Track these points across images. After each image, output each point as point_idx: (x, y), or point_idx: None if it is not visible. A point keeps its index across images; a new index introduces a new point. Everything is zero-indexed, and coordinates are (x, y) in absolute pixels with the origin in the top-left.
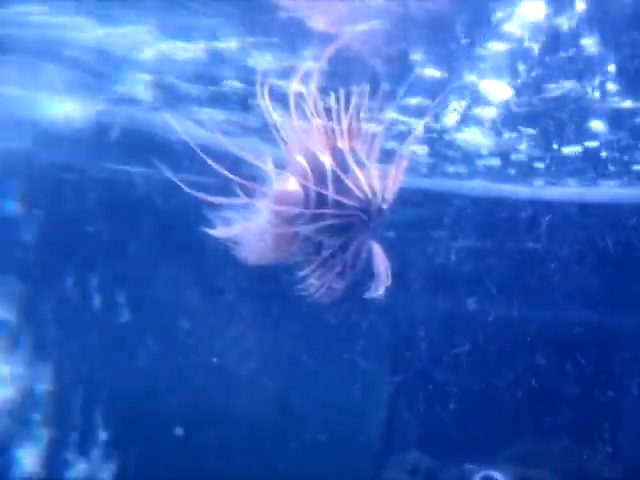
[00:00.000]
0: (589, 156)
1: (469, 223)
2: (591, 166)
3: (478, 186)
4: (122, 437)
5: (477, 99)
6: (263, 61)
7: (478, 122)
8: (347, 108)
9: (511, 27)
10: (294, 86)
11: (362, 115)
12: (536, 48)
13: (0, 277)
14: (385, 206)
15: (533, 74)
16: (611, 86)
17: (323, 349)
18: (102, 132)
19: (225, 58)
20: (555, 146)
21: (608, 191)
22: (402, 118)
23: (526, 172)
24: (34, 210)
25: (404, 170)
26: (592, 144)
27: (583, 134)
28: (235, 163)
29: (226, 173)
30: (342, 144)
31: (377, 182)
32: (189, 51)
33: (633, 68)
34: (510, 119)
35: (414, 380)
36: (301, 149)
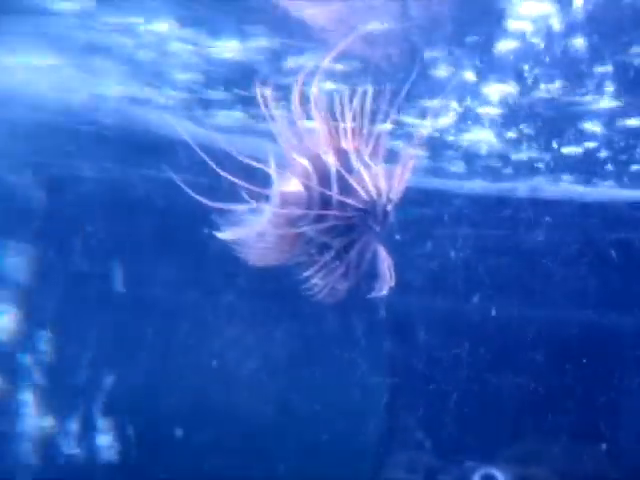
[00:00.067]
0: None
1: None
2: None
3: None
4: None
5: (479, 98)
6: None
7: (479, 122)
8: (351, 109)
9: (516, 25)
10: (297, 87)
11: (367, 116)
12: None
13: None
14: (389, 207)
15: (535, 71)
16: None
17: (324, 349)
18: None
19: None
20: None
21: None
22: (409, 119)
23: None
24: None
25: (409, 171)
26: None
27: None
28: (241, 165)
29: (229, 176)
30: (346, 145)
31: (382, 183)
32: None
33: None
34: (512, 118)
35: (414, 379)
36: (304, 150)
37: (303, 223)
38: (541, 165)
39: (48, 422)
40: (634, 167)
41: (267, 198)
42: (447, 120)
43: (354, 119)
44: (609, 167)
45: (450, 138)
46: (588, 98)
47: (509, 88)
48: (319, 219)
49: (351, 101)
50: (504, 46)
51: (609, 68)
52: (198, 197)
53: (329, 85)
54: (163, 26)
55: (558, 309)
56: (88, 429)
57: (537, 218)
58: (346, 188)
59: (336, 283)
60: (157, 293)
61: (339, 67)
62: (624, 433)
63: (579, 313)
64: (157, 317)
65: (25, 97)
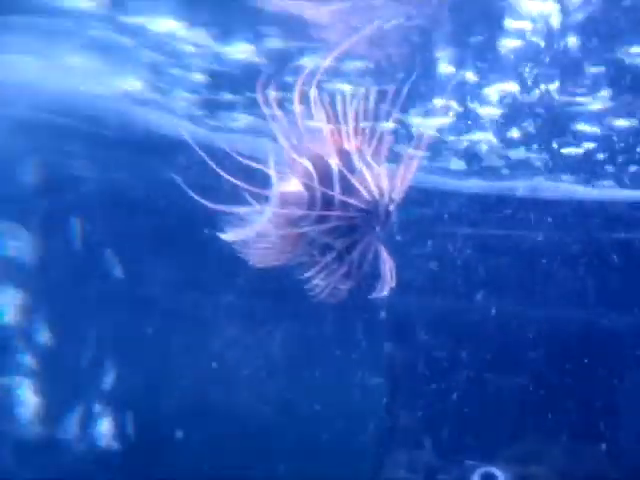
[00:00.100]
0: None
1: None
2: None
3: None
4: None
5: (480, 98)
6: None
7: (479, 121)
8: (354, 109)
9: (516, 24)
10: (298, 87)
11: (369, 116)
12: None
13: None
14: (392, 207)
15: (535, 72)
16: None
17: (324, 349)
18: None
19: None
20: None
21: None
22: (413, 119)
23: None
24: None
25: (413, 171)
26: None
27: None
28: (243, 166)
29: (229, 177)
30: (349, 145)
31: (384, 183)
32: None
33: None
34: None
35: (415, 379)
36: (306, 150)
37: (305, 223)
38: (539, 163)
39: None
40: (633, 168)
41: (267, 198)
42: (446, 120)
43: (357, 119)
44: (608, 168)
45: (450, 138)
46: (586, 99)
47: (510, 87)
48: (321, 220)
49: (353, 102)
50: (505, 45)
51: (603, 68)
52: (200, 198)
53: (340, 86)
54: (173, 25)
55: (557, 309)
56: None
57: (537, 218)
58: (348, 189)
59: (338, 283)
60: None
61: (351, 66)
62: (624, 433)
63: (578, 313)
64: (157, 315)
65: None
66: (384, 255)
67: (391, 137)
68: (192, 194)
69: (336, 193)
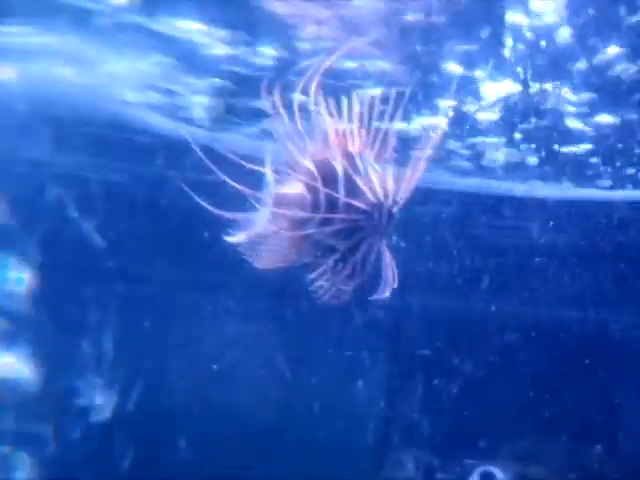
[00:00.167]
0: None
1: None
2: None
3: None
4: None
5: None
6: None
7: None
8: (359, 111)
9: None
10: (299, 88)
11: (373, 118)
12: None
13: None
14: (395, 209)
15: (529, 73)
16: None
17: (324, 349)
18: None
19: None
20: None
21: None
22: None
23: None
24: None
25: (419, 173)
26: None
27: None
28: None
29: (227, 179)
30: (352, 148)
31: (388, 185)
32: None
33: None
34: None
35: (415, 378)
36: (310, 153)
37: (309, 226)
38: (536, 162)
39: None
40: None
41: (265, 200)
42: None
43: (361, 121)
44: (603, 168)
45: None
46: (581, 97)
47: (509, 87)
48: (325, 222)
49: (358, 104)
50: (507, 46)
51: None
52: (203, 202)
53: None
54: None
55: (554, 308)
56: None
57: (535, 218)
58: (352, 190)
59: (341, 285)
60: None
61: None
62: (624, 432)
63: (575, 312)
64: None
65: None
66: (387, 256)
67: (395, 139)
68: (198, 199)
69: (340, 195)
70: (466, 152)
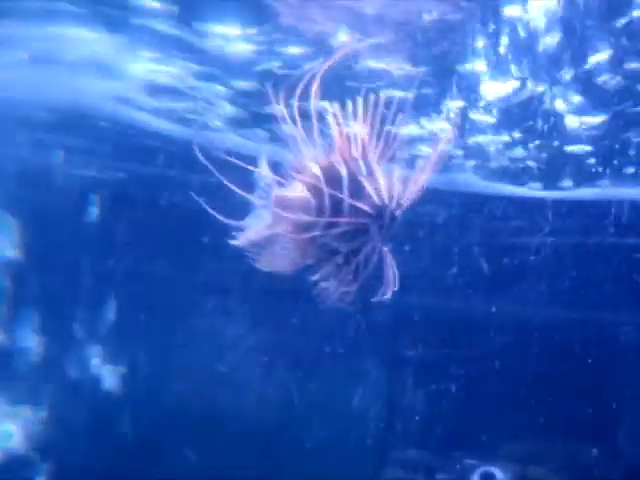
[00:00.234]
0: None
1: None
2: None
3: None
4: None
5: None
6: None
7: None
8: (363, 116)
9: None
10: (298, 90)
11: (378, 122)
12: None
13: None
14: (398, 212)
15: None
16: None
17: (324, 348)
18: None
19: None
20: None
21: None
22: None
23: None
24: None
25: (425, 178)
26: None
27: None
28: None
29: (227, 182)
30: (357, 151)
31: (392, 188)
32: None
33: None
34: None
35: (415, 378)
36: (315, 156)
37: (313, 228)
38: (533, 164)
39: None
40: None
41: (269, 204)
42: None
43: (366, 125)
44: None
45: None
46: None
47: (508, 87)
48: (330, 225)
49: (363, 107)
50: (504, 44)
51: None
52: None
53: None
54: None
55: (549, 308)
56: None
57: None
58: (356, 193)
59: (345, 286)
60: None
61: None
62: (624, 432)
63: (577, 312)
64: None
65: None
66: (388, 258)
67: (400, 142)
68: (204, 204)
69: (345, 198)
70: (460, 152)
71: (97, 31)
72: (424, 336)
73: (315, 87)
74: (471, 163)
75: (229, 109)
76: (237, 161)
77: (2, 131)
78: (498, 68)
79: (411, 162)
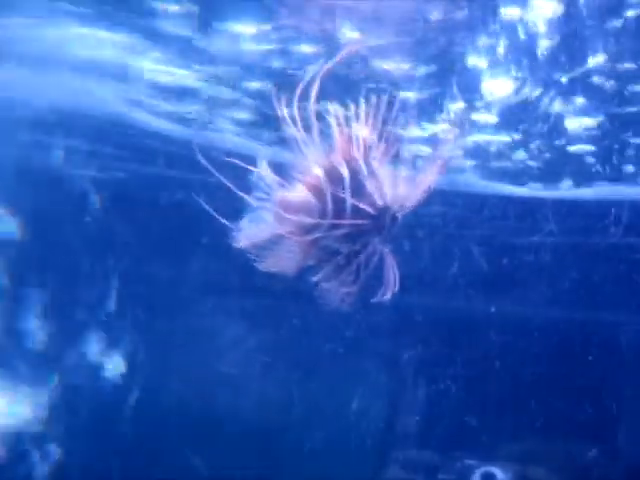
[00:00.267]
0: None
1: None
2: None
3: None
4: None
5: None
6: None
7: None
8: (363, 116)
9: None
10: (297, 92)
11: (380, 122)
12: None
13: None
14: (399, 214)
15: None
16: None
17: (324, 347)
18: None
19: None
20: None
21: None
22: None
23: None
24: None
25: (430, 181)
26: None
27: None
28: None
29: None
30: (358, 152)
31: (394, 189)
32: None
33: None
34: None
35: (415, 377)
36: (318, 158)
37: (316, 230)
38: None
39: None
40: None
41: (273, 205)
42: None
43: (368, 126)
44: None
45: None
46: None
47: (507, 88)
48: (332, 226)
49: (364, 108)
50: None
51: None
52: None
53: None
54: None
55: (553, 308)
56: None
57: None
58: (358, 195)
59: (346, 287)
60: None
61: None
62: (625, 432)
63: (577, 312)
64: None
65: None
66: (389, 259)
67: (400, 142)
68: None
69: (347, 199)
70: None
71: (113, 31)
72: (424, 336)
73: (315, 88)
74: (471, 163)
75: (241, 112)
76: (238, 162)
77: (5, 131)
78: (498, 68)
79: (415, 163)
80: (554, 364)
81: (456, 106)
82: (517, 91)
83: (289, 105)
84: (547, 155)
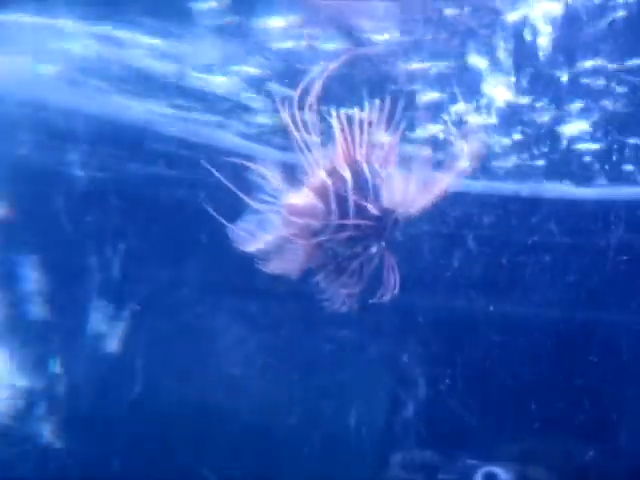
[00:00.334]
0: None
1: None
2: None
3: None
4: None
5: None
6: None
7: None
8: (366, 121)
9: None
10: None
11: (382, 126)
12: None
13: None
14: (401, 217)
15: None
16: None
17: (324, 346)
18: None
19: None
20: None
21: None
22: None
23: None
24: None
25: (440, 190)
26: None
27: None
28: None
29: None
30: (360, 157)
31: (397, 191)
32: None
33: None
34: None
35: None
36: (323, 163)
37: (321, 233)
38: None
39: None
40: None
41: (281, 210)
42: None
43: (370, 130)
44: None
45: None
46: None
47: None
48: (337, 230)
49: (368, 111)
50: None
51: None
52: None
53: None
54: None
55: (553, 308)
56: None
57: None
58: (361, 198)
59: (347, 289)
60: None
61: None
62: (626, 432)
63: (577, 312)
64: None
65: None
66: (389, 262)
67: (398, 145)
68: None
69: (350, 200)
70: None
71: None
72: (425, 336)
73: (316, 91)
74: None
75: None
76: (245, 162)
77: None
78: (498, 68)
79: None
80: (556, 364)
81: (456, 108)
82: (517, 91)
83: (296, 108)
84: (547, 155)
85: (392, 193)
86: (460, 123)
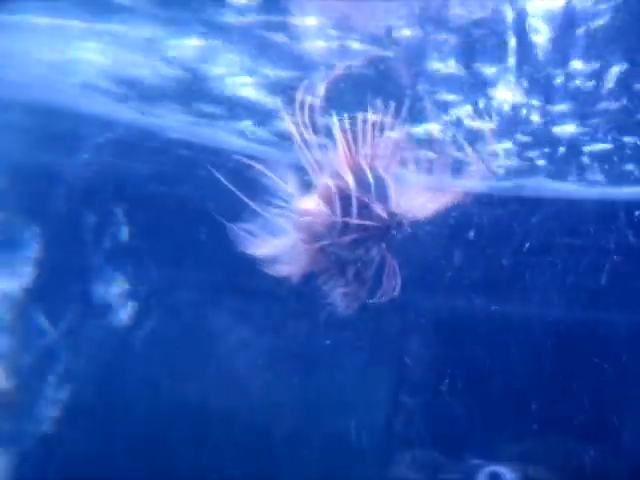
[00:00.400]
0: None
1: None
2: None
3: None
4: None
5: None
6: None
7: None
8: (370, 125)
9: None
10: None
11: (386, 130)
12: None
13: None
14: (404, 222)
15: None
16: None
17: (326, 348)
18: None
19: None
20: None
21: None
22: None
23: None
24: None
25: (450, 201)
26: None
27: None
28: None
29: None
30: (364, 162)
31: (402, 196)
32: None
33: None
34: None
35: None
36: (328, 169)
37: (327, 238)
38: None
39: None
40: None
41: (291, 216)
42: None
43: (371, 135)
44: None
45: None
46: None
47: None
48: (342, 233)
49: (368, 118)
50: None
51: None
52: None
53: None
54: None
55: (554, 308)
56: None
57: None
58: (364, 203)
59: (352, 291)
60: None
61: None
62: (627, 432)
63: (577, 312)
64: None
65: None
66: (391, 264)
67: (400, 148)
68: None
69: (354, 204)
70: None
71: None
72: (427, 335)
73: (321, 96)
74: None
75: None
76: (257, 165)
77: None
78: (502, 71)
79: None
80: (556, 364)
81: (463, 109)
82: (517, 91)
83: (300, 114)
84: (548, 155)
85: (400, 197)
86: (461, 124)
